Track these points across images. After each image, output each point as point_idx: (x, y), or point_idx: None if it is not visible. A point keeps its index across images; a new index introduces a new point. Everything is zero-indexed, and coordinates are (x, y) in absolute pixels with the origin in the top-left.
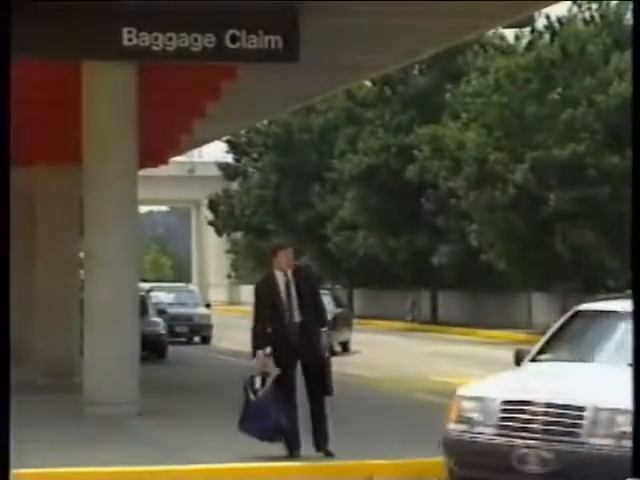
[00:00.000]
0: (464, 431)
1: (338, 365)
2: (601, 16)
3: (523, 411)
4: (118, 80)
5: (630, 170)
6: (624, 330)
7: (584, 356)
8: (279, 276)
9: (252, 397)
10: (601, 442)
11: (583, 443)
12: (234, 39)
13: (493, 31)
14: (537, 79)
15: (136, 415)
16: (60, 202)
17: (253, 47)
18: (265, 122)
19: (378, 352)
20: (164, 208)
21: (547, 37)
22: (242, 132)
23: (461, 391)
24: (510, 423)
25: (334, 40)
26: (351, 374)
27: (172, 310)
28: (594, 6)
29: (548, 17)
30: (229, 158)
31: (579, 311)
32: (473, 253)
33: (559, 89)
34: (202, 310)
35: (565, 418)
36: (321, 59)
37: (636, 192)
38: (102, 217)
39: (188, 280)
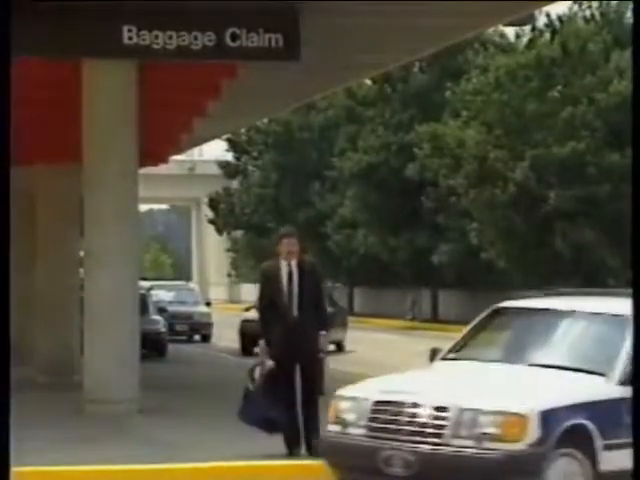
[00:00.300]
0: (338, 432)
1: (329, 363)
2: (601, 14)
3: (391, 412)
4: (118, 79)
5: (630, 168)
6: (539, 328)
7: (491, 355)
8: (283, 265)
9: (251, 387)
10: (463, 444)
11: (445, 445)
12: (234, 37)
13: (494, 29)
14: (537, 77)
15: (136, 413)
16: (60, 201)
17: (253, 45)
18: (265, 120)
19: (374, 350)
20: (164, 206)
21: (547, 35)
22: (242, 130)
23: (340, 391)
24: (379, 424)
25: (334, 38)
26: (341, 371)
27: (172, 308)
28: (594, 4)
29: (549, 15)
30: (229, 156)
31: (498, 309)
32: (473, 251)
33: (559, 87)
34: (202, 308)
35: (429, 419)
36: (321, 57)
37: (636, 191)
38: (102, 216)
39: (188, 278)
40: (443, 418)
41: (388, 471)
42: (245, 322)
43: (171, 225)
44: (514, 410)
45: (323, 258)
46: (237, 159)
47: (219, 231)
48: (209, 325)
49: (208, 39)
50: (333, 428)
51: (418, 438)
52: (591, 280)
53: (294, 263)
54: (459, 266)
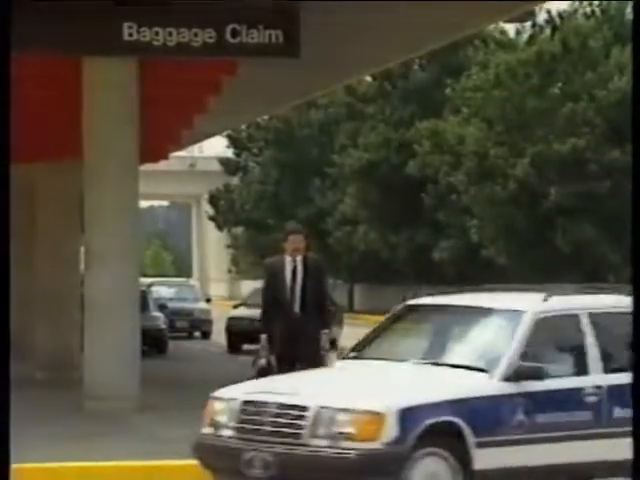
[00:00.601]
0: (210, 434)
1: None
2: (602, 11)
3: (255, 413)
4: (119, 75)
5: (630, 165)
6: (436, 326)
7: (384, 354)
8: (288, 261)
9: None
10: (319, 444)
11: (303, 445)
12: (234, 34)
13: (494, 26)
14: (538, 74)
15: (136, 410)
16: (61, 198)
17: (253, 42)
18: (266, 117)
19: None
20: (165, 203)
21: (548, 31)
22: (243, 127)
23: (216, 392)
24: (244, 425)
25: (334, 35)
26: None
27: (172, 305)
28: (595, 1)
29: (549, 11)
30: (230, 153)
31: (409, 306)
32: (474, 248)
33: (560, 84)
34: (202, 305)
35: (289, 419)
36: (321, 54)
37: (636, 188)
38: (103, 212)
39: (189, 275)
40: (302, 418)
41: (249, 473)
42: (232, 320)
43: (171, 222)
44: (369, 408)
45: (323, 255)
46: (237, 156)
47: (219, 228)
48: (209, 322)
49: (208, 36)
50: (206, 430)
51: (277, 439)
52: (592, 277)
53: (299, 260)
54: (459, 263)
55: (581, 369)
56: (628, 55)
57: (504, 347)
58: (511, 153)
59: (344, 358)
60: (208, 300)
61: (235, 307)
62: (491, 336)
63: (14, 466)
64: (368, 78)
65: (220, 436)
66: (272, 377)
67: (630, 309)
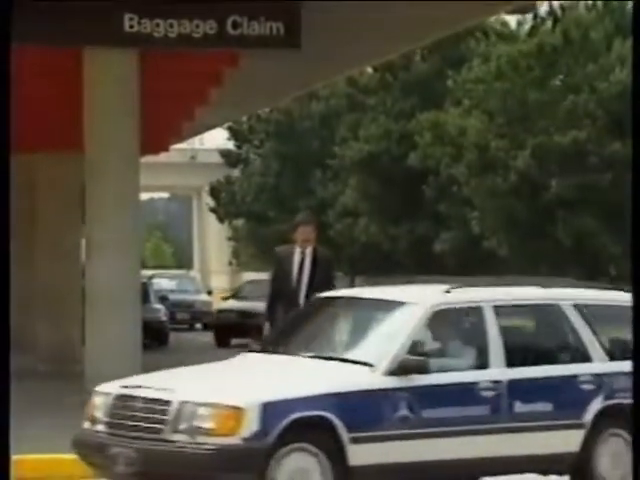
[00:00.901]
0: (87, 429)
1: None
2: (603, 3)
3: (124, 407)
4: (120, 67)
5: (631, 157)
6: (335, 319)
7: (290, 347)
8: (297, 252)
9: None
10: (180, 439)
11: (165, 440)
12: (235, 25)
13: (495, 17)
14: (539, 66)
15: None
16: (62, 189)
17: (254, 34)
18: (267, 109)
19: None
20: (165, 195)
21: (549, 23)
22: (244, 119)
23: (98, 387)
24: (113, 420)
25: (335, 27)
26: None
27: (173, 297)
28: None
29: (550, 3)
30: (230, 145)
31: (321, 298)
32: (475, 240)
33: (561, 76)
34: (203, 297)
35: (152, 414)
36: (322, 46)
37: (636, 189)
38: (103, 205)
39: (189, 267)
40: (164, 412)
41: (115, 469)
42: (220, 312)
43: (172, 214)
44: (229, 403)
45: (324, 247)
46: (238, 148)
47: (220, 220)
48: (210, 314)
49: (209, 27)
50: (85, 425)
51: (141, 434)
52: (593, 269)
53: (308, 251)
54: (460, 254)
55: (480, 363)
56: (629, 47)
57: (393, 341)
58: (512, 145)
59: (249, 351)
60: (209, 292)
61: (224, 299)
62: (384, 329)
63: (15, 457)
64: (369, 70)
65: (95, 431)
66: (156, 372)
67: (545, 301)
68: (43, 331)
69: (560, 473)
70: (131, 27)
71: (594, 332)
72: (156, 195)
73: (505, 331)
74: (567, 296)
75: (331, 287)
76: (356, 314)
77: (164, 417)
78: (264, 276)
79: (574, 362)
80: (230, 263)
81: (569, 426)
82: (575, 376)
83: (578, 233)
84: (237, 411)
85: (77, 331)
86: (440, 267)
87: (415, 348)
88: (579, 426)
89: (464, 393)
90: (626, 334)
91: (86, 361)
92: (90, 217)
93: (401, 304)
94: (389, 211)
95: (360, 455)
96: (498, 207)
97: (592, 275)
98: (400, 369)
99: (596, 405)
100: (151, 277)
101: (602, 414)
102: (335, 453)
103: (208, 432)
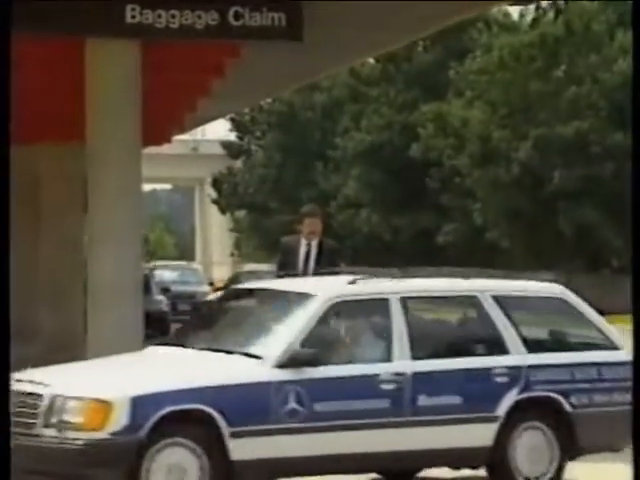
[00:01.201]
0: None
1: None
2: None
3: (15, 403)
4: (122, 58)
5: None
6: (249, 311)
7: (190, 340)
8: (303, 243)
9: None
10: (51, 433)
11: (36, 435)
12: (237, 16)
13: (497, 8)
14: (541, 56)
15: None
16: (64, 180)
17: (256, 25)
18: (269, 100)
19: None
20: (167, 186)
21: (551, 14)
22: (246, 110)
23: None
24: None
25: (337, 18)
26: None
27: (175, 288)
28: None
29: None
30: (233, 136)
31: (232, 290)
32: (477, 231)
33: (563, 66)
34: (205, 288)
35: (27, 408)
36: (324, 37)
37: (636, 186)
38: (106, 195)
39: (191, 258)
40: (37, 407)
41: None
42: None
43: (174, 205)
44: (97, 396)
45: (326, 238)
46: (240, 139)
47: (222, 211)
48: None
49: (211, 18)
50: None
51: (18, 429)
52: (595, 260)
53: (314, 243)
54: (463, 246)
55: (383, 355)
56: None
57: (286, 333)
58: (514, 136)
59: (157, 344)
60: (211, 283)
61: (216, 290)
62: (280, 321)
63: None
64: (371, 61)
65: None
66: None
67: (461, 293)
68: (45, 321)
69: (474, 467)
70: (133, 18)
71: (513, 324)
72: (159, 186)
73: (413, 323)
74: (486, 288)
75: None
76: (260, 306)
77: (36, 411)
78: (264, 267)
79: (488, 354)
80: (232, 254)
81: (481, 419)
82: (488, 369)
83: (580, 224)
84: (104, 405)
85: (79, 321)
86: (442, 258)
87: (310, 340)
88: (492, 419)
89: (362, 386)
90: (548, 326)
91: (88, 351)
92: (92, 208)
93: (302, 295)
94: (391, 202)
95: (242, 450)
96: (500, 199)
97: (594, 266)
98: (290, 361)
99: (510, 398)
100: (153, 268)
101: (517, 407)
102: (214, 447)
103: (76, 426)
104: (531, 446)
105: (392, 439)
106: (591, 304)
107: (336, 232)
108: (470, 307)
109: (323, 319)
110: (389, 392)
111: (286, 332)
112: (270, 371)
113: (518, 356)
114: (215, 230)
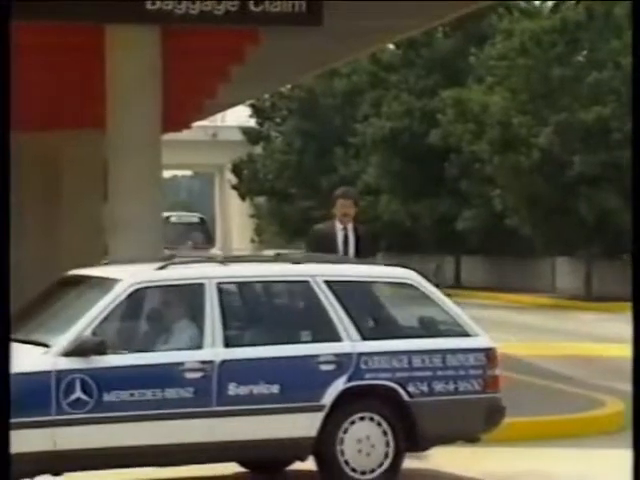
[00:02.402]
0: None
1: None
2: None
3: None
4: (142, 44)
5: None
6: (67, 298)
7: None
8: (339, 228)
9: None
10: None
11: None
12: (257, 2)
13: None
14: (562, 42)
15: None
16: (84, 167)
17: (276, 10)
18: (289, 86)
19: None
20: (188, 173)
21: None
22: (266, 96)
23: None
24: None
25: (357, 3)
26: None
27: None
28: None
29: None
30: (252, 122)
31: (62, 277)
32: (497, 218)
33: (584, 52)
34: None
35: None
36: (345, 23)
37: (636, 185)
38: (126, 182)
39: (212, 244)
40: None
41: None
42: None
43: (194, 191)
44: None
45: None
46: (260, 125)
47: (242, 197)
48: None
49: (231, 4)
50: None
51: None
52: (615, 246)
53: (350, 227)
54: (483, 232)
55: (190, 343)
56: None
57: (77, 320)
58: (535, 122)
59: None
60: None
61: None
62: (78, 308)
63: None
64: (391, 47)
65: None
66: None
67: (291, 278)
68: None
69: (300, 459)
70: (153, 4)
71: (346, 310)
72: (179, 173)
73: (232, 310)
74: (319, 272)
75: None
76: (72, 293)
77: None
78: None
79: (315, 341)
80: (252, 240)
81: (303, 409)
82: (313, 356)
83: (600, 210)
84: None
85: None
86: (462, 245)
87: (107, 328)
88: (317, 409)
89: (162, 375)
90: (394, 312)
91: None
92: (112, 195)
93: (107, 281)
94: (411, 189)
95: (20, 442)
96: (520, 185)
97: (614, 252)
98: (78, 350)
99: (337, 387)
100: (173, 255)
101: (345, 396)
102: None
103: None
104: (362, 437)
105: (198, 430)
106: (611, 289)
107: (356, 219)
108: (301, 293)
109: (124, 305)
110: (194, 381)
111: (79, 319)
112: (54, 359)
113: (349, 343)
114: (235, 216)
